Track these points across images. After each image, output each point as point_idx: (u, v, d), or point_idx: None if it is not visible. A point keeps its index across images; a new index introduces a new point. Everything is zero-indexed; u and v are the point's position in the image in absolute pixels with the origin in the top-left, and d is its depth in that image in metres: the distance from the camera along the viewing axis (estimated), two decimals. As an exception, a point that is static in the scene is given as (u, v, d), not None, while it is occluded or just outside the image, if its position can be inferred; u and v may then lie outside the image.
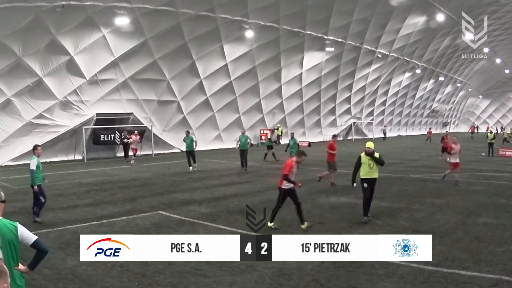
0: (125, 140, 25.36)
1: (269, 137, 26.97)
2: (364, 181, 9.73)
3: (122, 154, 28.58)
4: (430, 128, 49.21)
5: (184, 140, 20.42)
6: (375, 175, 9.76)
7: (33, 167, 9.88)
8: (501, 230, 8.81)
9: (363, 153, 9.78)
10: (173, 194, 13.69)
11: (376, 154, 9.73)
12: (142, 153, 28.93)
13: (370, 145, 9.80)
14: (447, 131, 27.79)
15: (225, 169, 20.47)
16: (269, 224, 9.08)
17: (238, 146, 20.56)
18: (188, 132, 21.09)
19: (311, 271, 6.57)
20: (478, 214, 10.45)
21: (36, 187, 9.86)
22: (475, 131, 58.30)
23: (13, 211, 11.11)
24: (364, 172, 9.73)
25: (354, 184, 10.02)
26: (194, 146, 19.77)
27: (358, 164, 9.78)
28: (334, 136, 16.64)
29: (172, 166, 20.87)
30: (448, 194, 12.93)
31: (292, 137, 21.73)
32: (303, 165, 21.87)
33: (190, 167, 19.33)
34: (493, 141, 26.75)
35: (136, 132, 24.61)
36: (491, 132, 27.50)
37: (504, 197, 12.61)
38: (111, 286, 6.11)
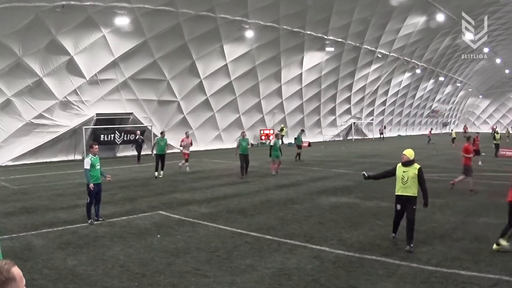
0: (140, 141, 24.47)
1: (295, 136, 25.89)
2: (397, 200, 7.75)
3: (122, 154, 28.69)
4: (431, 128, 48.97)
5: (155, 143, 18.58)
6: (410, 192, 7.59)
7: (86, 166, 9.79)
8: (501, 230, 8.78)
9: (400, 163, 7.85)
10: (173, 194, 13.69)
11: (416, 167, 7.65)
12: (142, 153, 28.88)
13: (407, 152, 7.74)
14: (478, 133, 26.69)
15: (225, 169, 20.47)
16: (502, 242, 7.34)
17: (237, 152, 17.89)
18: (163, 133, 19.00)
19: (311, 271, 6.57)
20: (478, 214, 10.45)
21: (92, 185, 9.72)
22: (468, 130, 58.37)
23: (13, 211, 11.12)
24: (397, 188, 7.75)
25: (363, 173, 8.66)
26: (166, 150, 18.24)
27: (390, 173, 8.08)
28: (469, 138, 15.09)
29: (172, 166, 20.84)
30: (448, 194, 12.93)
31: (279, 138, 19.36)
32: (303, 164, 22.03)
33: (156, 173, 17.76)
34: (498, 141, 26.72)
35: (188, 132, 21.33)
36: (497, 133, 27.40)
37: (504, 197, 12.57)
38: (111, 286, 6.10)
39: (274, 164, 18.66)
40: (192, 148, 31.94)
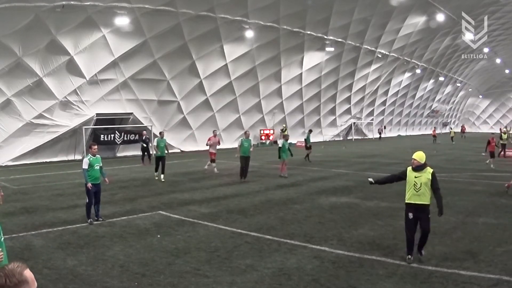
0: (147, 141, 23.69)
1: (305, 137, 25.41)
2: (409, 208, 6.92)
3: (122, 154, 28.68)
4: (434, 128, 48.75)
5: (156, 145, 17.12)
6: (424, 199, 6.79)
7: (84, 166, 9.85)
8: (501, 230, 8.80)
9: (410, 166, 7.04)
10: (173, 194, 13.69)
11: (429, 172, 6.86)
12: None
13: (418, 156, 6.90)
14: (493, 133, 25.80)
15: (225, 169, 20.45)
16: None
17: (238, 153, 16.74)
18: (162, 133, 17.95)
19: (311, 271, 6.57)
20: (478, 214, 10.45)
21: (89, 184, 9.72)
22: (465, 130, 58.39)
23: (13, 211, 11.12)
24: (408, 195, 6.92)
25: (370, 179, 7.88)
26: (166, 151, 17.21)
27: (397, 178, 7.31)
28: None
29: (172, 166, 20.84)
30: (448, 194, 12.91)
31: (287, 139, 18.34)
32: (303, 164, 22.01)
33: (156, 173, 16.99)
34: (505, 141, 26.58)
35: (215, 131, 19.94)
36: (504, 133, 27.30)
37: (504, 197, 12.61)
38: (111, 286, 6.10)
39: (284, 165, 17.83)
40: (191, 148, 32.15)
